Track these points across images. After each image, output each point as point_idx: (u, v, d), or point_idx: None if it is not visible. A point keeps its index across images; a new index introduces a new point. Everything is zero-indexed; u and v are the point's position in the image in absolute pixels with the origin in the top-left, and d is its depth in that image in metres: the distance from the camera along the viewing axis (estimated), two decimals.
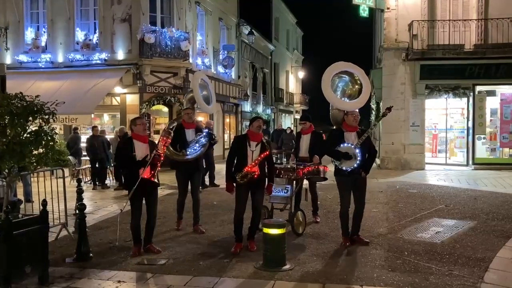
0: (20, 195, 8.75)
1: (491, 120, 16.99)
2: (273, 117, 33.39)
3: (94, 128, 13.58)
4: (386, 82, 17.35)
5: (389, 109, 6.70)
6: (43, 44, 17.93)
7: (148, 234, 6.18)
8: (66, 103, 11.18)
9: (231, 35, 24.15)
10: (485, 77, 16.49)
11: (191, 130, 7.34)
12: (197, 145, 7.24)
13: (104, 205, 9.92)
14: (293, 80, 40.02)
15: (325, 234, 7.11)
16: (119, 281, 5.07)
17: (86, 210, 6.38)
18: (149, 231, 6.19)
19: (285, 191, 7.04)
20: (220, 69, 21.98)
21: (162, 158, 6.08)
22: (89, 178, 13.44)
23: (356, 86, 6.86)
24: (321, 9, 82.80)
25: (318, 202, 8.25)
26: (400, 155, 17.15)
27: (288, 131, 18.65)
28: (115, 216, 7.82)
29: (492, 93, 16.94)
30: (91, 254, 5.89)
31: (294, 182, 7.12)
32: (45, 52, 17.73)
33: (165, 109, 18.31)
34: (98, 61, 17.11)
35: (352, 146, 6.20)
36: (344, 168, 6.24)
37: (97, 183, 12.72)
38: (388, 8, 17.24)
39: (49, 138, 5.07)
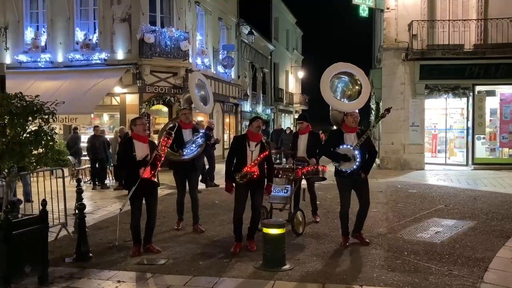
0: (20, 195, 8.75)
1: (490, 120, 17.00)
2: (272, 117, 33.37)
3: (95, 128, 13.58)
4: (385, 82, 17.35)
5: (387, 110, 6.66)
6: (42, 44, 17.91)
7: (148, 234, 6.19)
8: (66, 103, 11.25)
9: (231, 35, 24.14)
10: (484, 77, 16.49)
11: (188, 130, 7.34)
12: (193, 145, 7.25)
13: (104, 205, 9.93)
14: (292, 80, 40.02)
15: (325, 234, 7.11)
16: (118, 281, 5.07)
17: (86, 210, 6.38)
18: (149, 231, 6.19)
19: (285, 191, 7.03)
20: (220, 69, 21.97)
21: (162, 159, 6.10)
22: (88, 178, 13.44)
23: (356, 87, 6.82)
24: (321, 9, 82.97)
25: (318, 202, 8.25)
26: (399, 155, 17.15)
27: (287, 131, 18.66)
28: (114, 216, 7.81)
29: (491, 93, 16.94)
30: (90, 254, 5.89)
31: (293, 182, 7.12)
32: (45, 52, 17.71)
33: (165, 109, 18.30)
34: (98, 61, 17.09)
35: (351, 148, 6.19)
36: (343, 169, 6.25)
37: (96, 183, 12.73)
38: (387, 8, 17.23)
39: (49, 138, 5.08)
